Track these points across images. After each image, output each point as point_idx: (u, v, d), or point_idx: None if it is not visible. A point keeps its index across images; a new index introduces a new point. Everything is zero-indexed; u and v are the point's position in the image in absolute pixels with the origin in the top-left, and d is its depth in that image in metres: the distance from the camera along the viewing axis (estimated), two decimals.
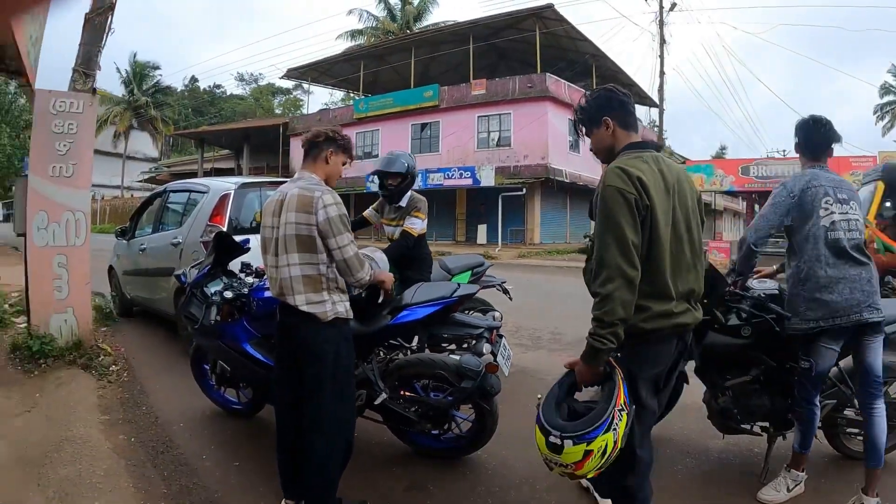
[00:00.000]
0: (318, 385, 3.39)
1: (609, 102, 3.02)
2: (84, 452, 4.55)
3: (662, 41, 28.56)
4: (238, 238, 4.90)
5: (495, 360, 4.11)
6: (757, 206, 26.97)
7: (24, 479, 4.13)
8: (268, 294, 4.34)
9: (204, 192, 7.36)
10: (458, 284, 4.61)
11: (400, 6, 44.62)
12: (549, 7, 29.63)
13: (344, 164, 3.67)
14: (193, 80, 76.15)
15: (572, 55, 34.15)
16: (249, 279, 4.76)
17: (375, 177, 5.88)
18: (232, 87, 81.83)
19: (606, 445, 2.51)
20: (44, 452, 4.52)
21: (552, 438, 2.54)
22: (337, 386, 3.41)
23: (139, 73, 53.79)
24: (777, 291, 3.99)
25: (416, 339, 4.73)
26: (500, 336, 4.38)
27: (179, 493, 4.00)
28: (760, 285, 4.10)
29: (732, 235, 47.67)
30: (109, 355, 6.89)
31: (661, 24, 28.68)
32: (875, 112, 51.05)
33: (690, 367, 3.96)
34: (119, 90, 53.66)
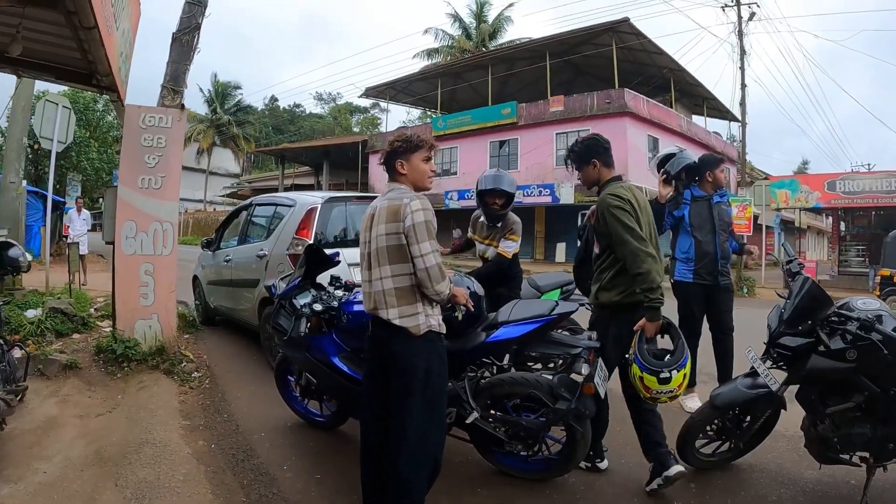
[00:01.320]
0: (407, 400, 3.29)
1: (596, 148, 4.34)
2: (163, 456, 4.65)
3: (742, 52, 27.72)
4: (328, 251, 4.95)
5: (592, 382, 3.92)
6: (843, 224, 26.00)
7: (102, 477, 4.24)
8: (358, 308, 4.37)
9: (290, 206, 7.43)
10: (556, 302, 4.50)
11: (475, 25, 44.88)
12: (625, 21, 29.05)
13: (426, 159, 3.49)
14: (273, 99, 78.46)
15: (650, 69, 33.31)
16: (339, 292, 4.80)
17: (476, 195, 5.92)
18: (311, 107, 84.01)
19: (688, 368, 3.93)
20: (123, 453, 4.64)
21: (663, 374, 3.80)
22: (427, 402, 3.31)
23: (221, 93, 55.43)
24: (884, 312, 3.75)
25: (506, 356, 4.69)
26: (598, 356, 4.09)
27: (258, 502, 4.02)
28: (865, 306, 3.84)
29: (816, 255, 46.04)
30: (192, 362, 7.05)
31: (741, 34, 27.90)
32: None
33: (790, 392, 3.99)
34: (202, 109, 55.56)
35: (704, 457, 4.47)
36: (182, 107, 7.31)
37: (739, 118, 29.03)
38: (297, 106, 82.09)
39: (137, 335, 6.89)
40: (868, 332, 3.56)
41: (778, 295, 4.59)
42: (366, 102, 65.48)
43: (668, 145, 30.31)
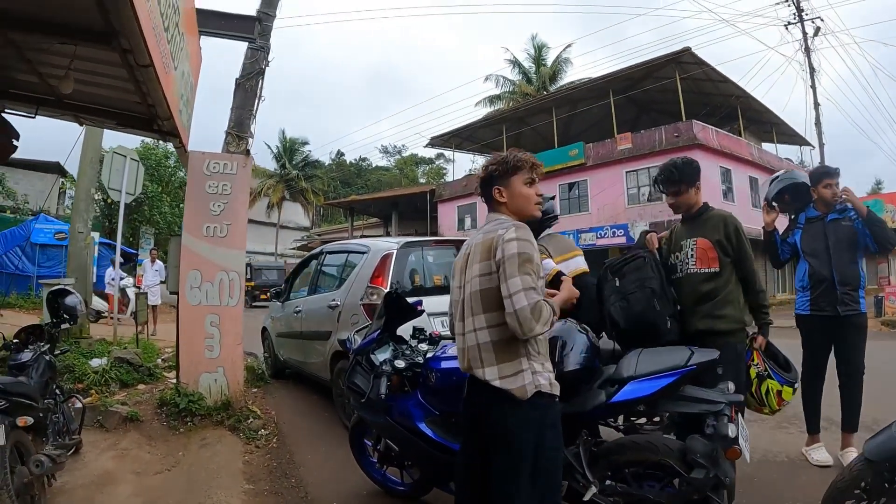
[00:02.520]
0: (512, 481, 2.70)
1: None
2: None
3: (812, 70, 26.90)
4: (410, 300, 4.55)
5: (737, 443, 3.27)
6: None
7: None
8: (447, 364, 3.89)
9: (364, 253, 7.11)
10: (691, 349, 3.65)
11: (534, 69, 44.83)
12: (687, 51, 28.38)
13: (529, 182, 2.99)
14: (340, 154, 79.54)
15: (715, 98, 32.64)
16: (423, 346, 4.32)
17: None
18: (376, 160, 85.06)
19: None
20: None
21: (796, 385, 4.15)
22: (536, 483, 2.70)
23: (289, 148, 56.33)
24: None
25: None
26: (738, 412, 3.50)
27: None
28: None
29: None
30: (259, 418, 6.77)
31: (808, 51, 27.13)
32: None
33: None
34: (271, 165, 56.51)
35: None
36: (247, 152, 7.21)
37: (809, 141, 28.20)
38: (363, 159, 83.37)
39: (202, 389, 6.69)
40: None
41: None
42: (431, 153, 66.35)
43: (740, 176, 30.08)
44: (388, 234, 47.04)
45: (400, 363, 4.04)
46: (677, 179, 4.43)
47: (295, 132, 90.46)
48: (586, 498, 3.43)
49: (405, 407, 4.08)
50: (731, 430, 3.25)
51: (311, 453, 5.92)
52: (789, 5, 27.98)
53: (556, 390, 2.81)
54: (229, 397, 6.77)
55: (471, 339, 2.84)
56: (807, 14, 27.63)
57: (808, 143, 35.65)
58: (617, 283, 4.35)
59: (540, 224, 4.89)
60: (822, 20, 28.96)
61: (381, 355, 4.13)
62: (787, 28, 28.16)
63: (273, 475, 5.36)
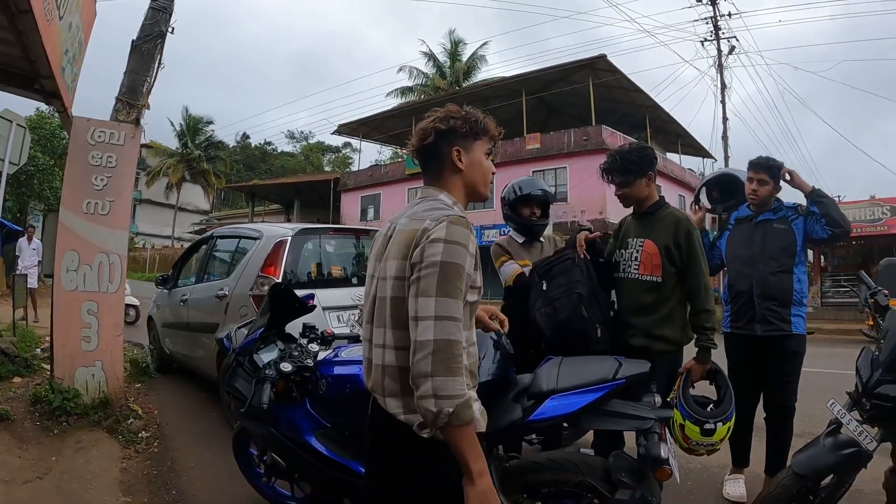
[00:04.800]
0: None
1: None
2: None
3: (723, 86, 27.88)
4: (300, 293, 4.02)
5: (668, 463, 2.90)
6: (822, 256, 26.05)
7: None
8: (341, 370, 3.43)
9: (256, 239, 6.49)
10: (619, 360, 3.20)
11: (449, 64, 44.72)
12: (602, 58, 29.15)
13: (489, 154, 2.33)
14: (245, 136, 77.53)
15: (626, 107, 33.68)
16: (314, 347, 3.74)
17: (508, 208, 4.84)
18: (282, 145, 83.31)
19: (732, 422, 3.61)
20: None
21: (707, 425, 3.50)
22: None
23: (192, 127, 54.60)
24: None
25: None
26: (666, 429, 3.13)
27: None
28: None
29: None
30: (140, 418, 6.11)
31: (721, 67, 28.18)
32: None
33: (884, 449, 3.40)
34: (173, 143, 54.74)
35: None
36: (137, 122, 6.47)
37: (712, 154, 29.09)
38: (269, 144, 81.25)
39: (78, 385, 5.95)
40: None
41: (864, 334, 3.98)
42: (338, 141, 65.63)
43: None
44: (289, 222, 46.18)
45: (286, 366, 3.45)
46: (625, 169, 3.91)
47: (204, 110, 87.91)
48: None
49: (292, 417, 3.53)
50: (662, 451, 2.88)
51: (196, 460, 5.34)
52: (707, 23, 28.92)
53: (482, 426, 2.05)
54: (108, 394, 6.10)
55: (377, 355, 2.15)
56: (723, 33, 28.76)
57: (710, 156, 37.03)
58: (544, 287, 3.97)
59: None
60: (737, 40, 30.25)
61: (267, 356, 3.57)
62: (703, 44, 29.12)
63: (153, 485, 4.78)
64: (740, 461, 4.64)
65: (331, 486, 3.49)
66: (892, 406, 3.15)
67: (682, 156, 40.41)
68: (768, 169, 4.43)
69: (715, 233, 4.99)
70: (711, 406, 3.68)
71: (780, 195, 4.62)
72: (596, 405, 3.00)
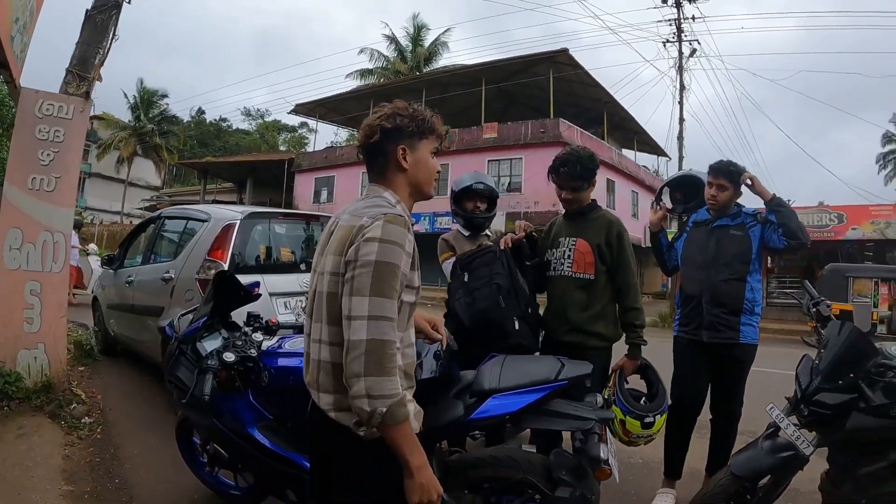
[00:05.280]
0: None
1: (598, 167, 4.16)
2: None
3: (682, 87, 28.25)
4: (244, 280, 3.93)
5: (607, 463, 2.91)
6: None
7: None
8: (285, 361, 3.39)
9: (204, 221, 6.35)
10: (561, 360, 3.17)
11: (411, 48, 44.45)
12: (564, 52, 29.41)
13: (435, 152, 2.31)
14: (200, 111, 75.90)
15: (584, 101, 34.07)
16: (258, 336, 3.67)
17: (453, 202, 4.71)
18: (238, 122, 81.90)
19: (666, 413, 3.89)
20: None
21: (648, 419, 3.69)
22: None
23: (147, 100, 53.37)
24: None
25: None
26: (606, 429, 3.14)
27: None
28: None
29: None
30: (83, 403, 5.94)
31: (681, 69, 28.51)
32: (878, 161, 51.42)
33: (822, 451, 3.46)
34: (126, 115, 53.34)
35: None
36: (87, 95, 6.25)
37: (667, 153, 29.54)
38: (224, 120, 79.50)
39: (20, 368, 5.77)
40: None
41: (805, 342, 4.07)
42: (294, 121, 64.68)
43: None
44: (241, 202, 45.60)
45: (229, 356, 3.37)
46: (581, 176, 4.03)
47: (160, 84, 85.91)
48: None
49: (234, 408, 3.47)
50: (602, 451, 2.90)
51: (140, 447, 5.21)
52: (671, 25, 29.16)
53: (417, 426, 2.12)
54: (51, 378, 5.93)
55: (314, 350, 2.13)
56: (686, 35, 29.03)
57: (665, 155, 37.66)
58: (465, 278, 3.98)
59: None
60: (699, 43, 30.70)
61: (210, 345, 3.49)
62: (665, 45, 29.38)
63: (95, 473, 4.64)
64: (671, 472, 4.57)
65: (273, 477, 3.45)
66: (829, 413, 3.27)
67: (637, 153, 41.18)
68: (728, 174, 4.36)
69: (674, 233, 5.00)
70: (644, 399, 3.91)
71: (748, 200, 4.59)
72: (538, 405, 3.00)
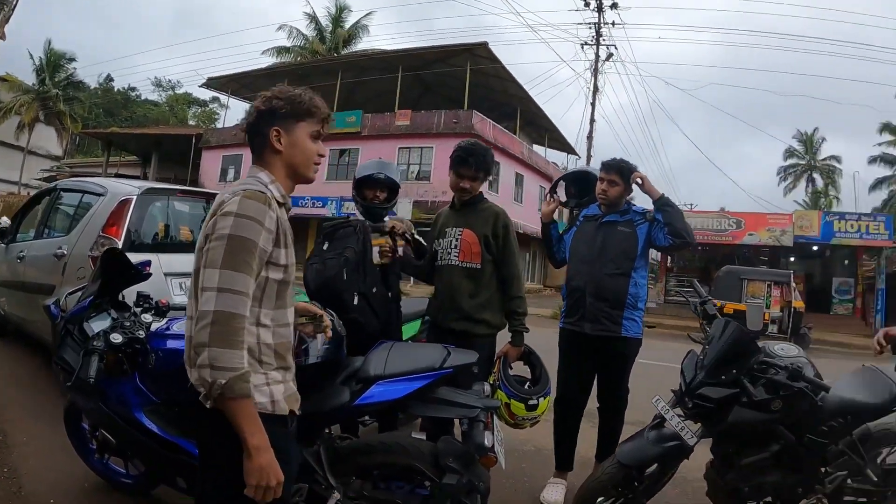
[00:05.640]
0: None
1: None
2: None
3: (596, 89, 29.06)
4: (136, 259, 3.82)
5: (493, 451, 3.01)
6: (669, 257, 28.39)
7: None
8: (172, 344, 3.29)
9: (100, 195, 6.18)
10: (447, 349, 3.28)
11: (331, 28, 43.93)
12: (483, 45, 29.87)
13: (315, 136, 2.29)
14: (109, 79, 72.77)
15: (500, 95, 34.58)
16: (147, 317, 3.58)
17: (354, 189, 4.60)
18: (148, 92, 78.95)
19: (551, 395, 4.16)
20: None
21: (531, 402, 3.87)
22: None
23: (53, 63, 50.54)
24: (803, 358, 3.65)
25: None
26: (494, 416, 3.26)
27: None
28: (785, 352, 3.69)
29: None
30: None
31: (596, 71, 29.31)
32: (779, 173, 54.98)
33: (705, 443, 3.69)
34: (30, 78, 50.60)
35: None
36: None
37: (576, 151, 30.32)
38: (133, 89, 76.28)
39: None
40: (795, 380, 3.40)
41: (691, 338, 4.20)
42: (206, 95, 63.03)
43: (507, 170, 32.63)
44: (145, 176, 44.18)
45: (116, 338, 3.26)
46: (485, 168, 4.15)
47: (70, 46, 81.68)
48: None
49: (121, 392, 3.36)
50: (487, 439, 3.00)
51: (28, 434, 4.99)
52: (590, 28, 30.04)
53: (283, 409, 2.14)
54: None
55: (187, 327, 2.10)
56: (604, 39, 30.08)
57: (574, 153, 38.61)
58: (324, 247, 4.06)
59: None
60: (616, 48, 31.66)
61: (97, 326, 3.39)
62: (583, 48, 30.33)
63: None
64: (564, 464, 4.69)
65: (163, 464, 3.40)
66: (712, 406, 3.47)
67: (548, 149, 41.87)
68: (620, 171, 4.49)
69: (565, 225, 5.09)
70: (528, 384, 4.12)
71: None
72: (424, 392, 3.09)
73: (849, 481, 3.77)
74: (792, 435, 3.52)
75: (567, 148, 41.62)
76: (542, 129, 40.00)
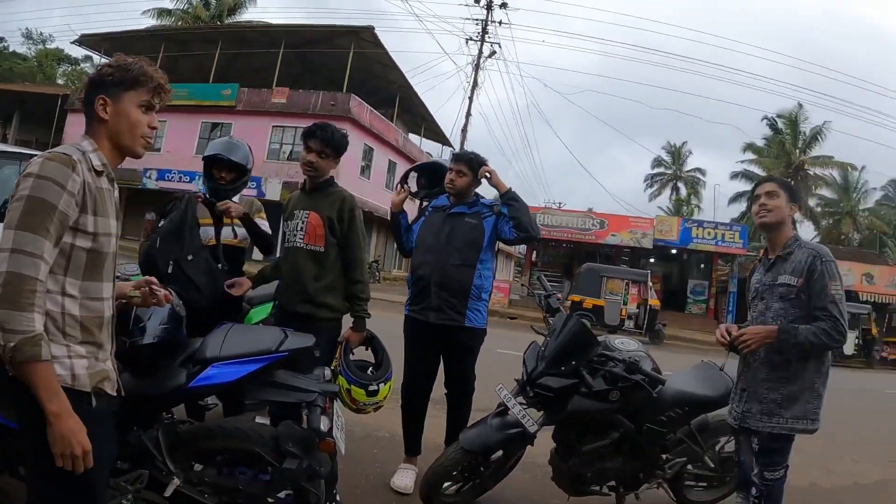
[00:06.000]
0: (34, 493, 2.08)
1: (346, 149, 4.17)
2: None
3: (475, 84, 29.56)
4: None
5: (331, 436, 3.06)
6: (535, 252, 30.14)
7: None
8: None
9: None
10: (285, 332, 3.24)
11: None
12: (369, 29, 29.96)
13: (146, 107, 2.21)
14: None
15: (380, 81, 34.69)
16: None
17: (204, 166, 4.51)
18: (17, 45, 74.68)
19: (392, 381, 3.97)
20: None
21: (371, 387, 3.76)
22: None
23: None
24: (641, 353, 3.98)
25: None
26: (333, 402, 3.31)
27: None
28: (624, 346, 4.01)
29: (503, 276, 49.35)
30: None
31: (478, 66, 29.85)
32: (646, 180, 57.28)
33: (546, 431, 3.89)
34: None
35: (449, 498, 4.14)
36: None
37: (451, 143, 30.84)
38: (1, 39, 72.45)
39: None
40: (632, 373, 3.69)
41: (534, 330, 4.42)
42: (79, 53, 60.21)
43: (381, 156, 33.23)
44: (4, 137, 41.67)
45: None
46: (334, 145, 4.06)
47: None
48: (167, 493, 2.91)
49: None
50: (323, 423, 2.99)
51: None
52: (477, 24, 30.60)
53: (84, 383, 2.02)
54: None
55: None
56: (489, 37, 30.77)
57: (449, 144, 39.16)
58: (160, 224, 4.10)
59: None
60: (500, 46, 32.33)
61: None
62: (467, 42, 30.91)
63: None
64: (412, 450, 4.73)
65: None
66: (552, 395, 3.69)
67: (423, 139, 42.34)
68: (469, 162, 4.59)
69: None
70: (371, 369, 4.02)
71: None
72: (259, 375, 3.03)
73: (689, 467, 4.17)
74: (631, 424, 3.78)
75: (442, 139, 42.01)
76: (419, 119, 40.40)
